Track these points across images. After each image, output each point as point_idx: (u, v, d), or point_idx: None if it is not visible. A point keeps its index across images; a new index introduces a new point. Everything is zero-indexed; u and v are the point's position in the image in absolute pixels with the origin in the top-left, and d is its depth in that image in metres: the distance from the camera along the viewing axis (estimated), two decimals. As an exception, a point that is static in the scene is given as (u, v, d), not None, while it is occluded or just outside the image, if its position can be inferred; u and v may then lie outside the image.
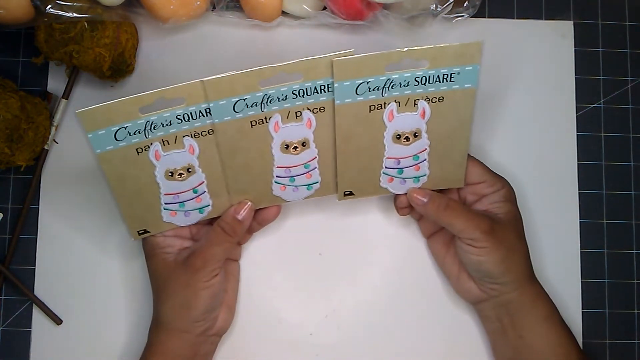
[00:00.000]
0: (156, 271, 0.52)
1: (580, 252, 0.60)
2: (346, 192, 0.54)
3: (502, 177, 0.54)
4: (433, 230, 0.57)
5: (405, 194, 0.54)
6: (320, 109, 0.49)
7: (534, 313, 0.53)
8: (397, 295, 0.58)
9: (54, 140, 0.58)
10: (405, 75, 0.48)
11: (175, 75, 0.59)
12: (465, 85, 0.49)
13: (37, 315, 0.57)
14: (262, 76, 0.47)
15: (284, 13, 0.58)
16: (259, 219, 0.55)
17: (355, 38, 0.60)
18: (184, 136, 0.49)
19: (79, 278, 0.57)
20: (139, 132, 0.47)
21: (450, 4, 0.57)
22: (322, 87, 0.48)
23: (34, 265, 0.57)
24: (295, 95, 0.48)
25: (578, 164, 0.61)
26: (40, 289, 0.57)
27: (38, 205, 0.58)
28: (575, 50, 0.62)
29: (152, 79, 0.59)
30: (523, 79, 0.61)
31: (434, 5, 0.57)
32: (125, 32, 0.55)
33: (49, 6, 0.52)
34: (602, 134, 0.61)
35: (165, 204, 0.51)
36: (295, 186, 0.53)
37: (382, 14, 0.58)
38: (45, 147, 0.57)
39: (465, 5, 0.59)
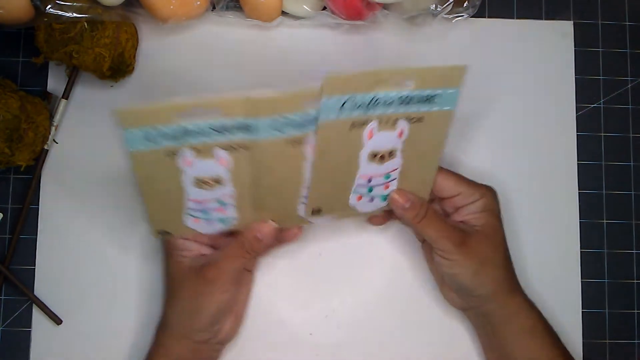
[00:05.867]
0: (170, 273, 0.52)
1: (580, 252, 0.60)
2: (315, 209, 0.52)
3: (483, 186, 0.53)
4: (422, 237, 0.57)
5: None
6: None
7: (515, 325, 0.52)
8: (397, 295, 0.58)
9: (54, 140, 0.58)
10: (391, 94, 0.47)
11: (175, 75, 0.59)
12: (445, 108, 0.48)
13: (37, 315, 0.57)
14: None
15: (284, 13, 0.58)
16: (280, 238, 0.53)
17: (355, 38, 0.60)
18: (217, 147, 0.47)
19: (79, 278, 0.57)
20: (172, 137, 0.46)
21: (450, 4, 0.57)
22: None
23: (34, 265, 0.57)
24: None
25: (578, 164, 0.61)
26: (40, 289, 0.57)
27: (38, 205, 0.58)
28: (575, 50, 0.62)
29: (152, 79, 0.59)
30: (523, 79, 0.61)
31: (434, 5, 0.57)
32: (125, 32, 0.55)
33: (49, 6, 0.52)
34: (602, 134, 0.61)
35: (189, 209, 0.50)
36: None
37: (382, 14, 0.58)
38: (45, 147, 0.57)
39: (465, 5, 0.59)
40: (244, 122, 0.46)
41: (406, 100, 0.47)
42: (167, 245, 0.52)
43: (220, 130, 0.47)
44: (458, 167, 0.59)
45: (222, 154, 0.48)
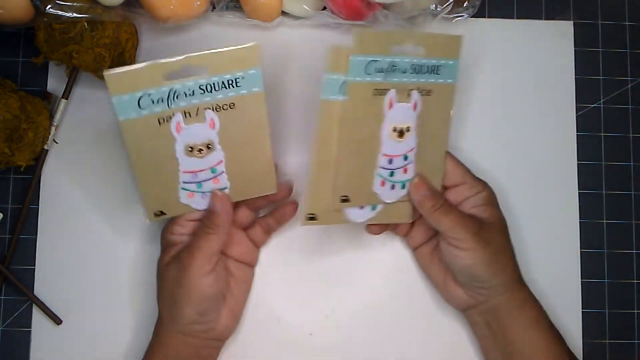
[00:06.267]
0: (157, 267, 0.52)
1: (580, 252, 0.60)
2: (342, 198, 0.51)
3: (482, 180, 0.54)
4: (419, 243, 0.57)
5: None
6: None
7: (522, 317, 0.53)
8: (397, 295, 0.58)
9: (54, 140, 0.58)
10: (405, 60, 0.47)
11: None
12: (448, 80, 0.50)
13: (37, 315, 0.57)
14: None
15: (284, 13, 0.58)
16: (277, 216, 0.54)
17: (355, 38, 0.60)
18: (205, 109, 0.46)
19: (79, 278, 0.57)
20: (162, 101, 0.45)
21: (450, 4, 0.57)
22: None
23: (34, 265, 0.57)
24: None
25: (578, 164, 0.61)
26: (40, 289, 0.57)
27: (38, 205, 0.58)
28: (575, 50, 0.62)
29: (152, 79, 0.59)
30: (523, 79, 0.61)
31: (434, 5, 0.57)
32: (125, 32, 0.55)
33: (49, 6, 0.52)
34: (602, 134, 0.61)
35: (183, 182, 0.49)
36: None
37: (382, 14, 0.58)
38: (45, 147, 0.57)
39: (465, 5, 0.59)
40: (228, 78, 0.46)
41: (417, 69, 0.48)
42: (165, 241, 0.52)
43: (207, 89, 0.46)
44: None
45: (211, 114, 0.47)
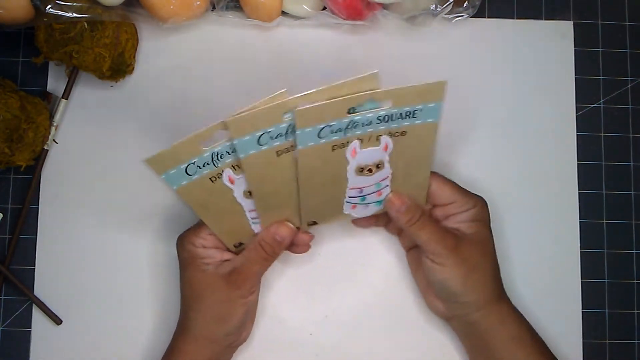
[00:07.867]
0: (192, 281, 0.52)
1: (580, 252, 0.60)
2: (310, 222, 0.53)
3: (476, 196, 0.53)
4: (411, 245, 0.57)
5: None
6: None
7: (501, 334, 0.52)
8: (397, 295, 0.58)
9: (54, 140, 0.58)
10: (368, 115, 0.46)
11: (175, 75, 0.59)
12: (428, 120, 0.48)
13: (37, 315, 0.57)
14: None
15: (284, 13, 0.58)
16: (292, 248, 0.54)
17: (355, 38, 0.60)
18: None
19: (79, 278, 0.57)
20: (207, 164, 0.47)
21: (450, 4, 0.57)
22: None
23: (34, 265, 0.57)
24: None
25: (578, 164, 0.61)
26: (40, 289, 0.57)
27: (38, 205, 0.58)
28: (575, 50, 0.62)
29: (152, 79, 0.59)
30: (523, 79, 0.61)
31: (434, 5, 0.57)
32: (125, 32, 0.55)
33: (49, 6, 0.52)
34: (602, 134, 0.61)
35: (251, 219, 0.51)
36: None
37: (382, 14, 0.58)
38: (45, 147, 0.57)
39: (465, 5, 0.59)
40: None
41: (385, 119, 0.47)
42: (189, 255, 0.52)
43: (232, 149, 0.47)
44: (457, 167, 0.59)
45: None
